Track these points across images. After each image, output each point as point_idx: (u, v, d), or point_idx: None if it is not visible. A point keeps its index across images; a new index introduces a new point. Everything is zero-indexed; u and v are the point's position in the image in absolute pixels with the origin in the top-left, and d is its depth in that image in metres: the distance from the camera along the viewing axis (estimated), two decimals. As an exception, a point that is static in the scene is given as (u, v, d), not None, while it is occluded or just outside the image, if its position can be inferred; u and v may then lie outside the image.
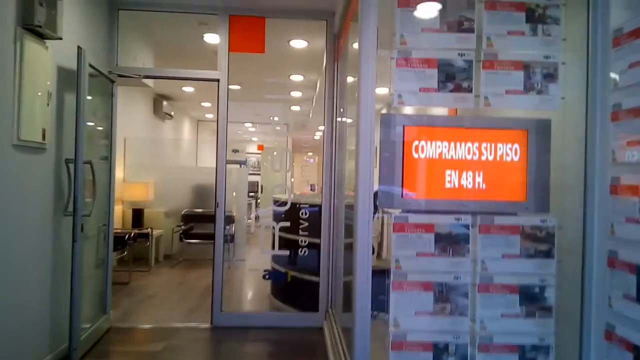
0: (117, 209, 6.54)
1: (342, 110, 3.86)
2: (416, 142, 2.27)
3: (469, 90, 2.23)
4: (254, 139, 12.29)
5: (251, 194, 9.20)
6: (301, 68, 5.80)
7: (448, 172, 2.27)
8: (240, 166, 7.07)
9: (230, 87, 3.90)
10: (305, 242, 4.03)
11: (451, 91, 2.24)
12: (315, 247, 3.99)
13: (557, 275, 2.20)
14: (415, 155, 2.27)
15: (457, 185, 2.28)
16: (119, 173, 6.55)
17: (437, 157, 2.27)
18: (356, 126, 2.23)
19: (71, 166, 2.99)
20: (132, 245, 5.61)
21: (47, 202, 2.90)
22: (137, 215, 6.50)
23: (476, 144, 2.27)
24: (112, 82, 3.69)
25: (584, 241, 2.17)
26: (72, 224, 2.95)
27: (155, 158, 7.60)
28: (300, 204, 4.09)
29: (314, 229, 3.99)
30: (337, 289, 3.79)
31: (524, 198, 2.26)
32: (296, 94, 7.13)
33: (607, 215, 2.04)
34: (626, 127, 1.96)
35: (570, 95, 2.24)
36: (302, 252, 4.03)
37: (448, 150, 2.28)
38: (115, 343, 3.54)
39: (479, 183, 2.27)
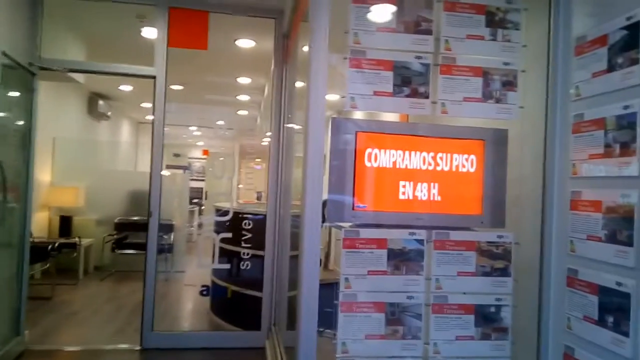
0: (43, 216, 6.01)
1: (290, 115, 3.65)
2: (369, 150, 2.10)
3: (425, 95, 2.08)
4: (199, 143, 11.86)
5: (195, 200, 8.81)
6: (249, 70, 5.55)
7: (402, 182, 2.12)
8: (184, 171, 6.71)
9: (173, 87, 3.61)
10: (248, 254, 3.77)
11: (407, 96, 2.09)
12: (259, 260, 3.74)
13: (513, 294, 2.08)
14: (368, 164, 2.10)
15: (411, 197, 2.13)
16: (45, 176, 6.03)
17: (390, 166, 2.11)
18: (304, 130, 2.02)
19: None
20: (57, 257, 5.12)
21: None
22: (65, 222, 5.99)
23: (432, 154, 2.13)
24: (33, 75, 3.30)
25: (542, 259, 2.07)
26: (-25, 234, 2.57)
27: (88, 161, 7.09)
28: (243, 213, 3.83)
29: (258, 240, 3.74)
30: (281, 305, 3.55)
31: (480, 212, 2.13)
32: (244, 97, 6.87)
33: (566, 231, 1.95)
34: (588, 140, 1.86)
35: (529, 104, 2.14)
36: (245, 265, 3.76)
37: (402, 160, 2.13)
38: (29, 368, 3.14)
39: (434, 195, 2.13)
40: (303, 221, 2.00)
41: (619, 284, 1.64)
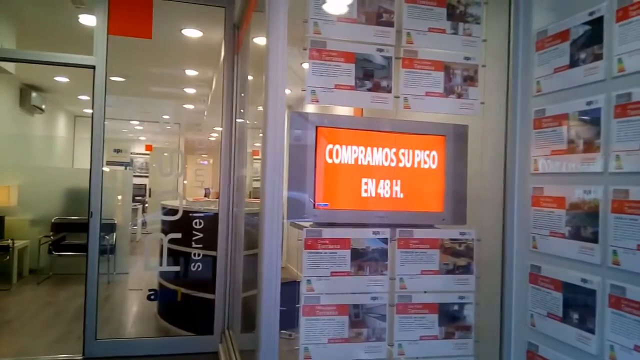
0: (-30, 217, 5.54)
1: (242, 110, 3.50)
2: (330, 146, 2.02)
3: (388, 90, 2.02)
4: (142, 138, 11.39)
5: (138, 198, 8.44)
6: (196, 62, 5.33)
7: (364, 180, 2.06)
8: (125, 168, 6.38)
9: (113, 78, 3.37)
10: (198, 255, 3.59)
11: (369, 90, 2.02)
12: (210, 260, 3.57)
13: (476, 291, 2.06)
14: (329, 161, 2.02)
15: (374, 194, 2.07)
16: (-28, 174, 5.56)
17: (352, 162, 2.05)
18: (263, 126, 1.90)
19: None
20: (-14, 261, 4.73)
21: None
22: (-4, 223, 5.56)
23: (394, 150, 2.08)
24: (-45, 62, 2.97)
25: (503, 255, 2.06)
26: None
27: (21, 157, 6.61)
28: (193, 212, 3.64)
29: (209, 240, 3.57)
30: (235, 307, 3.42)
31: (441, 209, 2.11)
32: (190, 90, 6.61)
33: (528, 228, 1.94)
34: (550, 135, 1.86)
35: (489, 100, 2.12)
36: (195, 266, 3.58)
37: (365, 156, 2.07)
38: (-45, 386, 2.84)
39: (396, 192, 2.08)
40: (263, 219, 1.89)
41: (584, 280, 1.64)
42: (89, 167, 3.42)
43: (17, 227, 5.78)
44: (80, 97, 8.34)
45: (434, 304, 2.04)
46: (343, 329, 1.96)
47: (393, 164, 2.07)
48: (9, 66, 4.18)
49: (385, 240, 2.01)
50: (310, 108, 2.37)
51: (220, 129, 3.59)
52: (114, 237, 5.81)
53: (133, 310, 4.72)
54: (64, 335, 3.77)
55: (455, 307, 2.06)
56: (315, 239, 1.96)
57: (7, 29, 4.01)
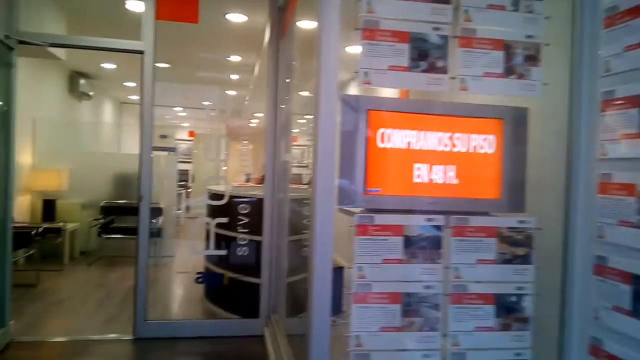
0: (25, 200, 5.76)
1: (287, 97, 3.46)
2: (382, 130, 1.95)
3: (443, 70, 1.93)
4: (185, 124, 11.57)
5: (181, 183, 8.59)
6: (239, 47, 5.32)
7: (417, 165, 1.97)
8: (168, 154, 6.47)
9: (159, 65, 3.39)
10: (244, 239, 3.61)
11: (424, 71, 1.93)
12: (256, 245, 3.59)
13: (535, 282, 1.97)
14: (381, 145, 1.95)
15: (426, 180, 1.99)
16: (26, 158, 5.76)
17: (405, 147, 1.97)
18: (315, 111, 1.86)
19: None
20: (41, 242, 4.90)
21: None
22: (49, 207, 5.75)
23: (448, 134, 1.98)
24: (11, 49, 3.05)
25: (566, 245, 1.95)
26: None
27: (70, 142, 6.81)
28: (239, 197, 3.65)
29: (255, 225, 3.58)
30: (280, 292, 3.42)
31: (499, 195, 2.00)
32: (232, 76, 6.63)
33: (593, 216, 1.82)
34: (620, 118, 1.73)
35: (552, 81, 2.00)
36: (241, 250, 3.60)
37: (417, 140, 1.99)
38: (15, 362, 2.97)
39: (450, 178, 1.99)
40: (314, 206, 1.85)
41: (657, 272, 1.53)
42: (134, 152, 3.47)
43: (68, 210, 5.97)
44: (125, 83, 8.52)
45: (491, 295, 1.96)
46: (395, 318, 1.91)
47: (447, 149, 1.99)
48: (59, 52, 4.27)
49: (438, 228, 1.94)
50: (352, 92, 2.31)
51: (261, 114, 3.58)
52: (160, 221, 5.93)
53: (180, 293, 4.82)
54: (114, 316, 3.88)
55: (513, 298, 1.97)
56: (367, 225, 1.91)
57: (57, 14, 4.10)
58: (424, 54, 1.93)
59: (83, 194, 6.25)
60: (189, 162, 9.48)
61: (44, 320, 3.75)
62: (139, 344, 3.30)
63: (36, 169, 5.91)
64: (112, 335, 3.43)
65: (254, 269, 3.56)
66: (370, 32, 1.87)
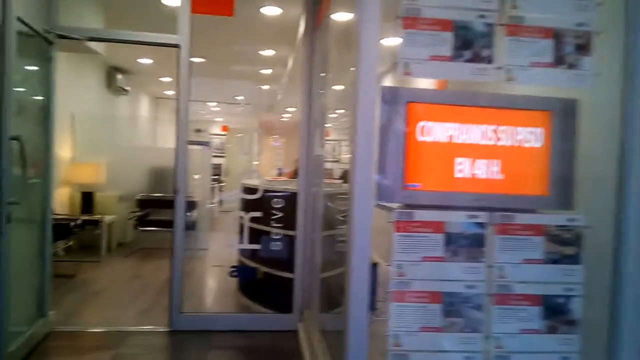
0: (65, 192, 5.91)
1: (321, 91, 3.40)
2: (422, 123, 1.87)
3: (488, 60, 1.84)
4: (218, 119, 11.67)
5: (214, 177, 8.67)
6: (273, 41, 5.29)
7: (459, 159, 1.89)
8: (202, 148, 6.51)
9: (193, 59, 3.38)
10: (278, 234, 3.59)
11: (468, 61, 1.84)
12: (289, 240, 3.56)
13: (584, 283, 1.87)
14: (421, 138, 1.88)
15: (468, 175, 1.91)
16: (66, 152, 5.90)
17: (446, 140, 1.89)
18: (353, 105, 1.81)
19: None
20: (79, 234, 5.01)
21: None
22: (87, 199, 5.88)
23: (492, 127, 1.89)
24: (50, 43, 3.09)
25: (618, 245, 1.84)
26: (-4, 213, 2.41)
27: (108, 136, 6.94)
28: (272, 191, 3.63)
29: (288, 219, 3.55)
30: (314, 287, 3.38)
31: (546, 192, 1.90)
32: (265, 71, 6.62)
33: (648, 214, 1.71)
34: (684, 110, 1.61)
35: (604, 71, 1.88)
36: (275, 245, 3.59)
37: (459, 134, 1.90)
38: (55, 352, 3.02)
39: (494, 173, 1.90)
40: (353, 201, 1.80)
41: None
42: (170, 146, 3.49)
43: (105, 203, 6.09)
44: (161, 79, 8.63)
45: (537, 296, 1.86)
46: (435, 318, 1.84)
47: (491, 142, 1.90)
48: (98, 47, 4.33)
49: (482, 225, 1.85)
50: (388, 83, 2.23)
51: (293, 109, 3.54)
52: (195, 214, 5.99)
53: (214, 285, 4.85)
54: (150, 307, 3.93)
55: (561, 300, 1.87)
56: (407, 221, 1.85)
57: (95, 9, 4.15)
58: (468, 43, 1.84)
59: (120, 187, 6.37)
60: (222, 157, 9.56)
61: (82, 311, 3.83)
62: (174, 336, 3.33)
63: (75, 162, 6.04)
64: (148, 327, 3.47)
65: (288, 263, 3.54)
66: (411, 21, 1.80)
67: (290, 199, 3.57)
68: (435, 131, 1.88)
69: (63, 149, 5.78)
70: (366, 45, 1.77)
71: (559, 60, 1.86)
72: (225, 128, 10.99)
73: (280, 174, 6.06)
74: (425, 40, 1.82)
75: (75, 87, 6.11)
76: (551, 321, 1.86)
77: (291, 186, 3.67)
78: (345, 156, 2.98)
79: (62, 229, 4.68)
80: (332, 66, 3.22)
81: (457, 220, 1.86)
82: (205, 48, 5.14)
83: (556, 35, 1.86)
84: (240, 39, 5.14)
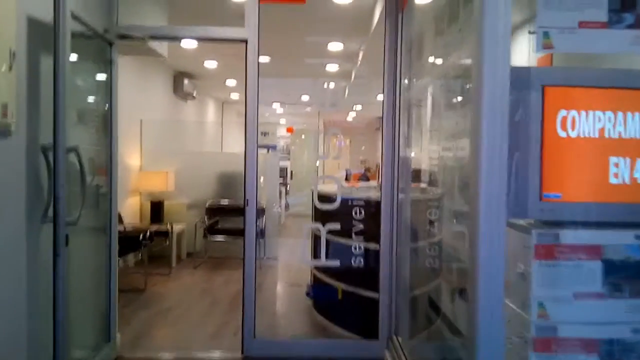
0: (134, 202, 5.83)
1: (406, 81, 2.95)
2: (563, 112, 1.43)
3: (659, 25, 1.35)
4: (282, 120, 11.48)
5: (280, 180, 8.44)
6: (343, 34, 4.91)
7: (614, 159, 1.43)
8: (268, 151, 6.23)
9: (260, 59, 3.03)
10: (359, 248, 3.17)
11: (629, 27, 1.38)
12: (372, 255, 3.14)
13: None
14: (562, 134, 1.44)
15: (628, 180, 1.43)
16: (135, 161, 5.82)
17: (596, 135, 1.43)
18: (476, 92, 1.37)
19: (50, 155, 2.19)
20: (149, 245, 4.85)
21: (18, 204, 2.11)
22: (156, 208, 5.77)
23: (661, 117, 1.41)
24: (110, 44, 2.86)
25: None
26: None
27: (176, 143, 6.83)
28: (352, 199, 3.23)
29: (371, 231, 3.13)
30: (402, 309, 2.94)
31: None
32: (331, 68, 6.24)
33: None
34: None
35: None
36: (356, 260, 3.18)
37: (614, 126, 1.44)
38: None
39: (665, 177, 1.42)
40: (476, 220, 1.37)
41: None
42: (235, 151, 3.17)
43: (174, 211, 5.96)
44: (227, 82, 8.50)
45: None
46: (591, 373, 1.37)
47: (659, 137, 1.42)
48: (162, 49, 4.12)
49: (654, 248, 1.37)
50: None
51: (359, 107, 3.11)
52: (264, 221, 5.71)
53: (287, 301, 4.52)
54: (221, 327, 3.63)
55: None
56: (551, 245, 1.39)
57: (158, 8, 3.93)
58: (630, 3, 1.38)
59: (188, 194, 6.23)
60: (286, 159, 9.32)
61: (151, 332, 3.59)
62: (247, 364, 3.00)
63: (144, 170, 5.95)
64: (219, 353, 3.16)
65: (370, 281, 3.11)
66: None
67: (373, 209, 3.15)
68: (581, 123, 1.44)
69: (132, 157, 5.69)
70: (493, 9, 1.32)
71: None
72: (290, 130, 10.76)
73: (347, 176, 5.67)
74: (572, 3, 1.36)
75: (143, 93, 6.03)
76: None
77: (372, 193, 3.25)
78: (434, 156, 2.53)
79: (131, 242, 4.53)
80: (427, 52, 2.74)
81: (620, 242, 1.40)
82: (271, 45, 4.84)
83: None
84: (308, 32, 4.79)
